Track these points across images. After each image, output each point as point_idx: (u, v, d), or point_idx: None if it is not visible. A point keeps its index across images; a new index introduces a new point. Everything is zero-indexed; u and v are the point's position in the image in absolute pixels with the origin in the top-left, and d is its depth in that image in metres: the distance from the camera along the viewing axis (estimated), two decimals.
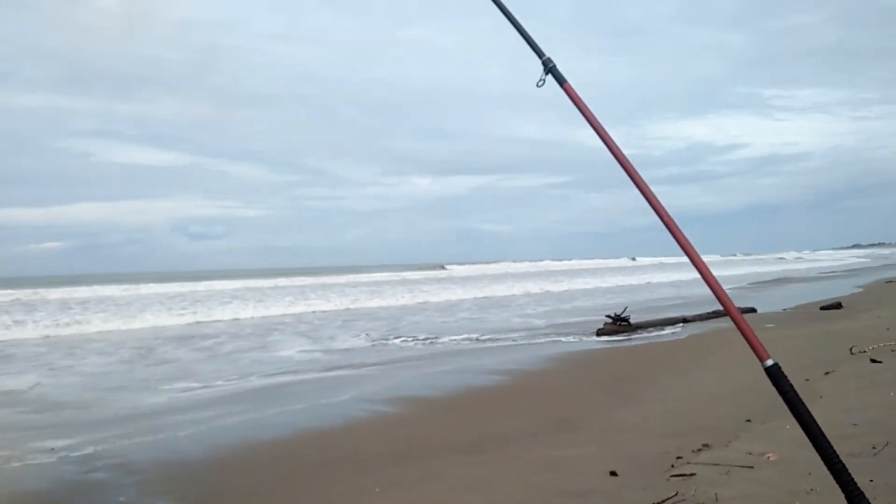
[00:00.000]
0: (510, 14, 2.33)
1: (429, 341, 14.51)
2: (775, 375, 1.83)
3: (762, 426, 5.75)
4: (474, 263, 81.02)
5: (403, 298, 27.74)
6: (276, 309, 23.71)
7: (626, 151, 2.15)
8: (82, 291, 35.76)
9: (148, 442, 6.87)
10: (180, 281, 45.99)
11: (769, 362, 1.83)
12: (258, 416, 7.88)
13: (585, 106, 2.13)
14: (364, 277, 51.39)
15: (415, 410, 7.84)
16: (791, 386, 1.90)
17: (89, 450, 6.59)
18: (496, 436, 6.42)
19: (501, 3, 2.35)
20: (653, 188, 2.10)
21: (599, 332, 14.26)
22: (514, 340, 13.96)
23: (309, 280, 48.28)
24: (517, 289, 32.22)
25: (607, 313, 15.08)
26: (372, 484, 5.12)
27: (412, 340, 14.81)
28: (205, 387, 10.02)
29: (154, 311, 23.10)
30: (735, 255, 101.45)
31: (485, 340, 14.24)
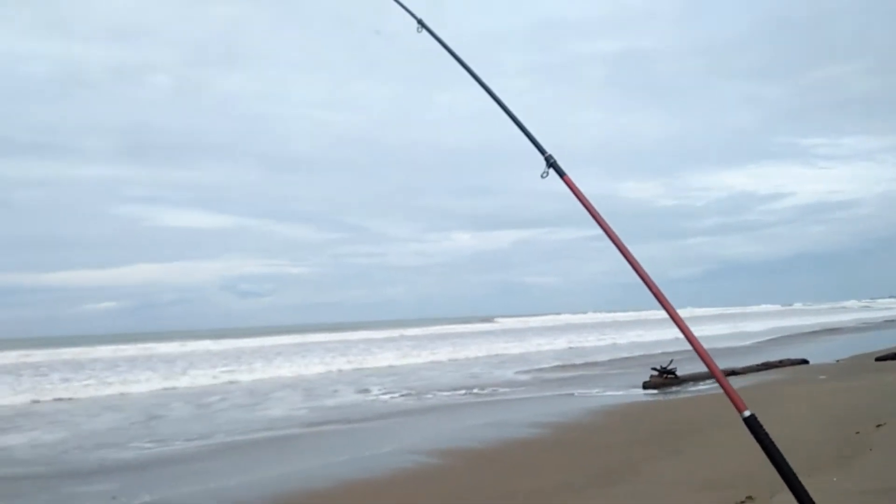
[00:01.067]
0: (515, 117, 2.65)
1: (472, 392, 14.60)
2: (752, 425, 2.00)
3: (808, 479, 5.70)
4: (521, 316, 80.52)
5: (449, 351, 27.77)
6: (316, 364, 24.06)
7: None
8: (129, 350, 36.73)
9: (200, 491, 7.13)
10: (230, 338, 46.96)
11: (746, 413, 2.00)
12: (302, 467, 8.09)
13: (583, 195, 2.39)
14: (410, 332, 51.57)
15: (458, 462, 7.95)
16: (766, 435, 2.05)
17: (148, 498, 6.88)
18: (539, 488, 6.49)
19: (507, 108, 2.67)
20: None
21: (645, 385, 14.14)
22: (557, 392, 13.94)
23: (354, 335, 48.70)
24: (561, 341, 32.00)
25: (653, 366, 14.96)
26: None
27: (455, 391, 14.90)
28: (242, 435, 10.32)
29: (201, 368, 23.70)
30: (794, 305, 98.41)
31: (528, 391, 14.26)
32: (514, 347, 28.85)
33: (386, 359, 24.95)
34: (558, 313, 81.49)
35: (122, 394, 17.49)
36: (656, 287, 2.28)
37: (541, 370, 19.73)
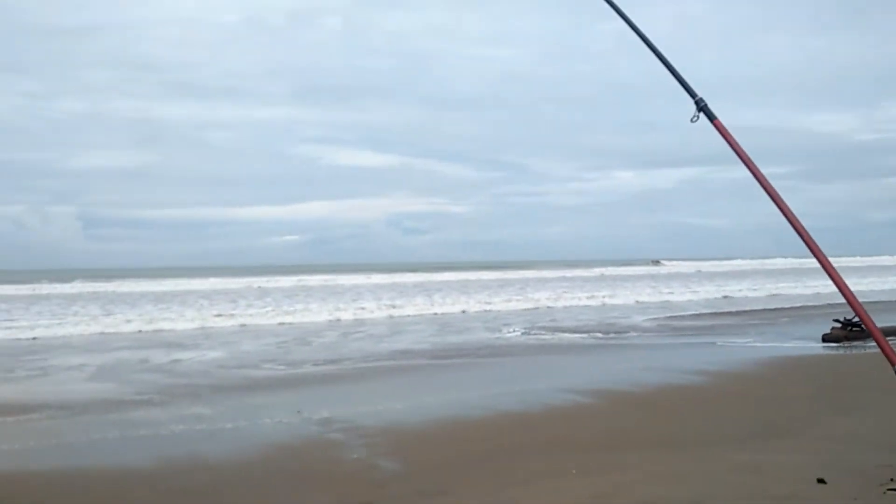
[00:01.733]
0: (665, 59, 2.55)
1: (603, 335, 14.45)
2: None
3: None
4: (688, 259, 76.84)
5: (605, 294, 27.31)
6: (472, 301, 24.71)
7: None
8: (311, 280, 39.95)
9: (372, 411, 7.81)
10: (396, 272, 49.50)
11: None
12: (463, 396, 8.56)
13: (735, 140, 2.28)
14: (571, 273, 51.30)
15: (613, 403, 8.02)
16: None
17: (326, 414, 7.67)
18: (696, 435, 6.42)
19: (656, 49, 2.57)
20: None
21: (825, 338, 13.15)
22: (730, 342, 13.39)
23: (513, 274, 49.32)
24: (731, 288, 30.27)
25: (835, 318, 13.83)
26: (570, 465, 5.45)
27: (619, 333, 14.82)
28: (405, 360, 11.02)
29: (366, 300, 25.22)
30: None
31: (660, 337, 13.84)
32: (664, 294, 27.56)
33: (537, 299, 24.92)
34: (730, 258, 76.79)
35: (290, 323, 19.15)
36: (808, 236, 2.18)
37: (680, 317, 18.96)
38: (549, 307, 23.05)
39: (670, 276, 44.30)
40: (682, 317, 19.11)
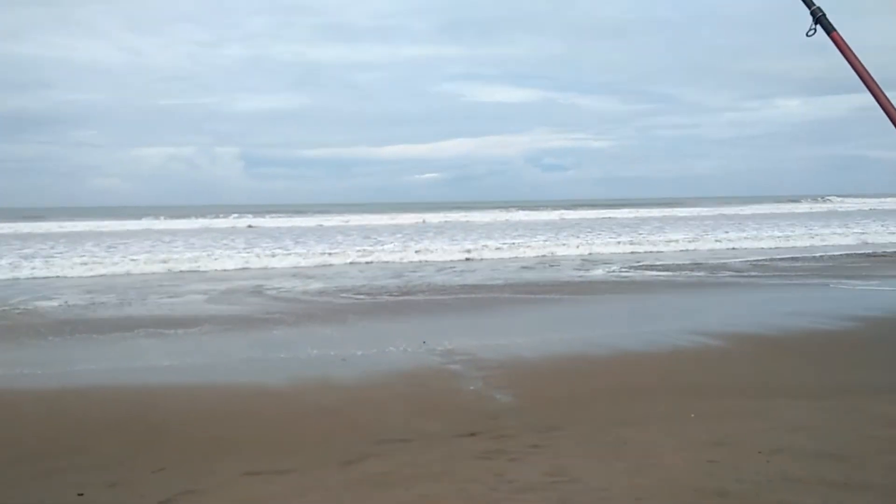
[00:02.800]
0: None
1: (780, 277, 13.49)
2: None
3: None
4: (860, 196, 69.74)
5: (740, 235, 25.35)
6: (599, 243, 24.03)
7: None
8: (450, 217, 40.60)
9: (493, 345, 7.95)
10: (537, 209, 49.16)
11: None
12: (589, 334, 8.47)
13: (856, 57, 1.96)
14: (722, 210, 48.43)
15: (744, 347, 7.60)
16: None
17: (448, 345, 7.90)
18: (837, 384, 5.97)
19: None
20: None
21: None
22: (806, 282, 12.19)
23: (653, 212, 47.36)
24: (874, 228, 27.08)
25: None
26: (689, 410, 5.28)
27: (767, 275, 13.92)
28: (527, 294, 11.00)
29: (493, 238, 25.21)
30: None
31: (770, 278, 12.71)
32: (805, 237, 24.76)
33: (674, 240, 23.45)
34: None
35: (423, 260, 19.57)
36: None
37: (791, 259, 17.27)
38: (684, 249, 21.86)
39: (830, 214, 40.51)
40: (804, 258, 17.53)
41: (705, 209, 50.27)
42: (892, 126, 1.95)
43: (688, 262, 17.28)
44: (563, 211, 48.38)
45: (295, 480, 4.06)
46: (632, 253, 20.33)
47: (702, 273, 14.91)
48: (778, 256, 18.33)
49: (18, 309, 11.28)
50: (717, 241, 22.79)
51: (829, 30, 2.12)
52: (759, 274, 14.66)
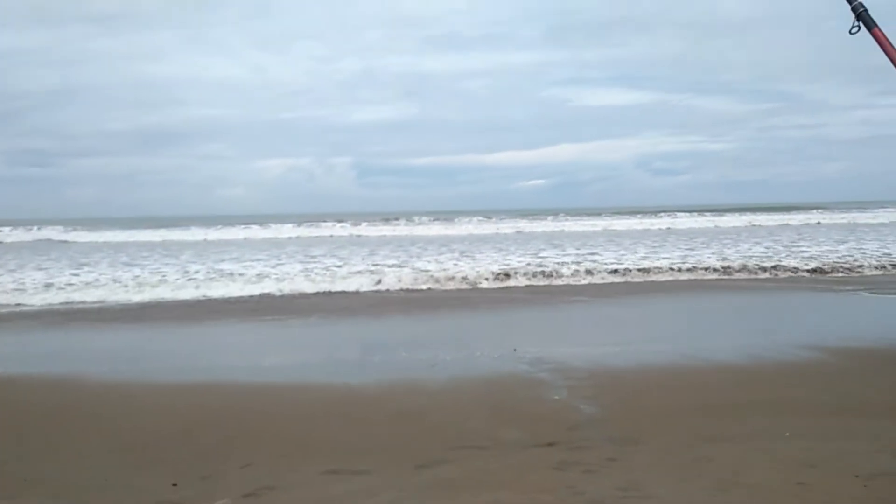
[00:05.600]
0: None
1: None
2: None
3: None
4: None
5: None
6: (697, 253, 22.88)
7: None
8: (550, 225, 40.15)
9: (582, 353, 7.81)
10: (643, 215, 47.74)
11: None
12: (680, 346, 8.14)
13: None
14: (844, 216, 45.11)
15: (855, 363, 7.05)
16: None
17: (538, 353, 7.84)
18: None
19: None
20: None
21: None
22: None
23: (772, 218, 44.75)
24: None
25: None
26: (784, 429, 4.96)
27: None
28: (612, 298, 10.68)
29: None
30: None
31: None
32: None
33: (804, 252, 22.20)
34: None
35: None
36: None
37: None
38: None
39: None
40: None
41: (836, 214, 46.97)
42: None
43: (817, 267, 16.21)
44: (675, 217, 46.68)
45: (368, 481, 4.17)
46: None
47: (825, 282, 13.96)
48: None
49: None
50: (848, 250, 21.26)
51: (871, 26, 1.96)
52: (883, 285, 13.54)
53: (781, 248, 21.33)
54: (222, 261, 20.40)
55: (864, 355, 7.37)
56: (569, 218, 48.72)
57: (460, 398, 6.29)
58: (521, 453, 4.68)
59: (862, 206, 62.83)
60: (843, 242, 23.10)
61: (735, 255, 18.89)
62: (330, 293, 14.00)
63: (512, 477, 4.13)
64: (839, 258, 17.55)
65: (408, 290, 14.12)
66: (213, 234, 36.54)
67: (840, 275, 15.23)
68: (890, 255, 18.58)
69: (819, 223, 39.16)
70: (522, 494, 3.82)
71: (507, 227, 40.28)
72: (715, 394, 6.14)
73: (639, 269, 15.88)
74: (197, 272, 17.14)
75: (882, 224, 36.62)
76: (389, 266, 17.72)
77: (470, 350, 8.19)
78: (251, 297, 13.58)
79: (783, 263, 16.61)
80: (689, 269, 15.95)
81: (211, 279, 15.56)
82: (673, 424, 5.28)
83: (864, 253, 19.18)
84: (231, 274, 16.55)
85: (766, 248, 21.74)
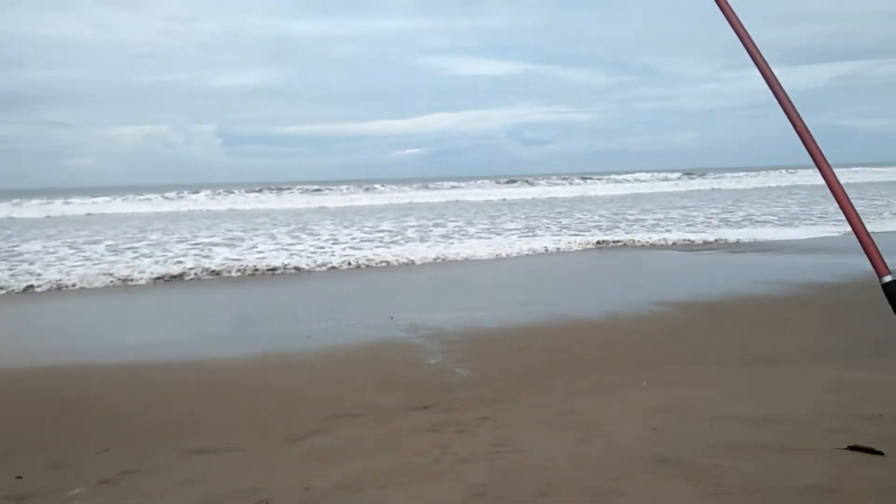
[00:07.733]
0: None
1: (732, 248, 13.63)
2: (892, 292, 1.60)
3: None
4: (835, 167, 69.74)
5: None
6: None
7: None
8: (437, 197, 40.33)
9: (456, 318, 7.94)
10: (517, 184, 49.00)
11: (887, 279, 1.59)
12: (547, 307, 8.49)
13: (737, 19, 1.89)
14: (689, 185, 48.61)
15: (705, 316, 7.66)
16: None
17: (414, 319, 7.88)
18: (782, 350, 6.04)
19: None
20: None
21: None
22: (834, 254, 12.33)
23: (629, 188, 47.42)
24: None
25: None
26: (642, 379, 5.30)
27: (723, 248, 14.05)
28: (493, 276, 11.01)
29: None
30: None
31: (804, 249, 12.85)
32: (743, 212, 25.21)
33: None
34: (891, 164, 69.09)
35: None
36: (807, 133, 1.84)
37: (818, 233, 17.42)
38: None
39: (780, 189, 40.77)
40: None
41: (672, 185, 50.42)
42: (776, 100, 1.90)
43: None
44: (546, 186, 48.35)
45: (237, 458, 4.03)
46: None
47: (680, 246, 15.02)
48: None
49: None
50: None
51: None
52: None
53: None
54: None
55: (710, 309, 8.01)
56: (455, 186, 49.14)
57: (336, 368, 6.22)
58: (397, 418, 4.70)
59: (719, 171, 67.53)
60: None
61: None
62: None
63: (387, 442, 4.14)
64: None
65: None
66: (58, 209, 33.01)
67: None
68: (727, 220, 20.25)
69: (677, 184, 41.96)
70: (396, 458, 3.84)
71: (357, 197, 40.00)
72: (579, 350, 6.46)
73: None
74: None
75: (718, 189, 39.84)
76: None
77: (344, 318, 8.11)
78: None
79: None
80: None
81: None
82: (540, 381, 5.50)
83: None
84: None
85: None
